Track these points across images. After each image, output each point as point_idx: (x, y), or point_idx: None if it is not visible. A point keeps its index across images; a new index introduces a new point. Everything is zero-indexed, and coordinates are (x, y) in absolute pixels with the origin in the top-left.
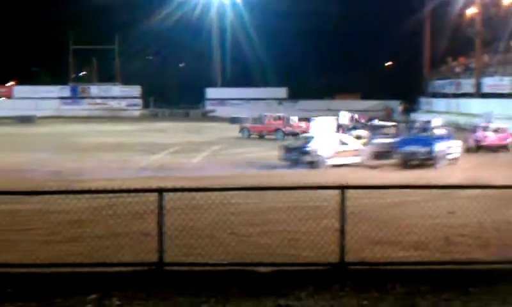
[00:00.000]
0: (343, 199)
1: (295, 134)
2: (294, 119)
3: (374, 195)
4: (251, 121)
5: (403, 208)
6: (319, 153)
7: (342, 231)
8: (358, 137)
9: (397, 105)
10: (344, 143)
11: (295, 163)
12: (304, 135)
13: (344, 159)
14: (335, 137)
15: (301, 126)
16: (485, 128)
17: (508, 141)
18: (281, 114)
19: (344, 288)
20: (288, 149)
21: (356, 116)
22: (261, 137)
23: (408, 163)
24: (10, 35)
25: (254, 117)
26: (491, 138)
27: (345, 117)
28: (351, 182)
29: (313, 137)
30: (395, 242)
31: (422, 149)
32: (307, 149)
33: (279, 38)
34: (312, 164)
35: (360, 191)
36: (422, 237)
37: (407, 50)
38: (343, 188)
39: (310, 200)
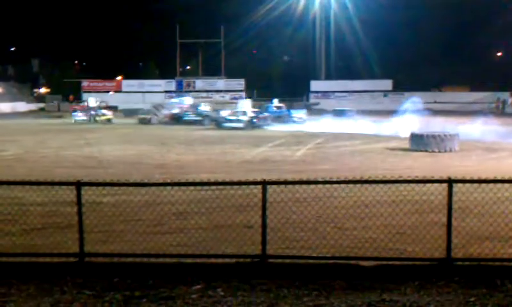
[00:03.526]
0: (450, 193)
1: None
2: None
3: (484, 188)
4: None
5: None
6: None
7: (448, 226)
8: (104, 115)
9: (508, 97)
10: None
11: None
12: None
13: None
14: None
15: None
16: None
17: None
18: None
19: (450, 284)
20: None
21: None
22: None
23: None
24: (119, 31)
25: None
26: None
27: (91, 101)
28: (460, 174)
29: None
30: (506, 238)
31: None
32: None
33: (384, 29)
34: None
35: (468, 185)
36: None
37: None
38: (450, 182)
39: (416, 194)
